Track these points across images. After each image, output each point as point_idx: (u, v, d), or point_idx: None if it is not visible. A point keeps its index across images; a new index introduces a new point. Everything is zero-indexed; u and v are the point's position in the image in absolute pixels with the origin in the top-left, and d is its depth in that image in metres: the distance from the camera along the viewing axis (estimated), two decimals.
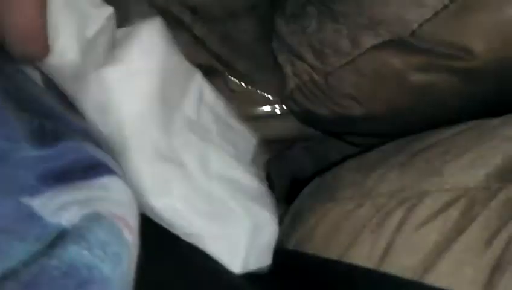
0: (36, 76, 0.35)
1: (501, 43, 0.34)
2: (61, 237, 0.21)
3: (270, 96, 0.47)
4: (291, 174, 0.51)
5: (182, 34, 0.47)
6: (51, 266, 0.18)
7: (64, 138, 0.28)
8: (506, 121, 0.32)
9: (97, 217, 0.22)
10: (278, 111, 0.47)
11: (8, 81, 0.30)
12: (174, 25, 0.47)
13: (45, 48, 0.31)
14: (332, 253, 0.32)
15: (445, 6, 0.35)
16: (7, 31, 0.28)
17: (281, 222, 0.40)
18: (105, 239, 0.21)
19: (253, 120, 0.47)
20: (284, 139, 0.49)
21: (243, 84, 0.47)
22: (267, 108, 0.47)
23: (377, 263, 0.30)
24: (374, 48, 0.38)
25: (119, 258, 0.20)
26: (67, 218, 0.23)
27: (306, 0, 0.43)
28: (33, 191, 0.24)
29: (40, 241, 0.22)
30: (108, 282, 0.19)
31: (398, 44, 0.38)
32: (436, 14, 0.36)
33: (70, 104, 0.35)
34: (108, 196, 0.25)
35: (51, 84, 0.36)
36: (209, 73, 0.47)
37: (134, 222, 0.25)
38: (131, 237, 0.23)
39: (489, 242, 0.27)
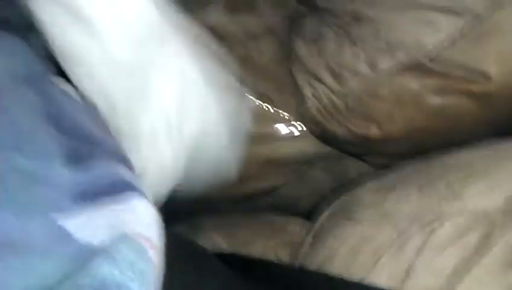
0: (72, 92, 0.37)
1: None
2: (93, 257, 0.23)
3: (289, 116, 0.48)
4: (311, 193, 0.52)
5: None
6: (84, 284, 0.20)
7: (97, 161, 0.29)
8: None
9: (125, 238, 0.24)
10: (296, 131, 0.48)
11: (50, 104, 0.31)
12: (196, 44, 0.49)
13: None
14: (354, 274, 0.33)
15: (462, 32, 0.36)
16: None
17: (302, 242, 0.41)
18: (133, 259, 0.22)
19: (272, 140, 0.48)
20: (303, 159, 0.50)
21: (262, 104, 0.48)
22: (286, 128, 0.48)
23: (398, 285, 0.30)
24: (392, 71, 0.39)
25: (145, 276, 0.22)
26: (99, 239, 0.24)
27: (324, 23, 0.44)
28: (66, 211, 0.25)
29: (74, 260, 0.23)
30: None
31: (416, 67, 0.39)
32: (452, 39, 0.37)
33: (102, 120, 0.36)
34: (135, 218, 0.27)
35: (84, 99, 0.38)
36: (229, 92, 0.48)
37: (158, 242, 0.26)
38: (156, 256, 0.24)
39: (509, 265, 0.27)
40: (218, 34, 0.49)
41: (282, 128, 0.48)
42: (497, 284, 0.27)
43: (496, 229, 0.29)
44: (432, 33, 0.38)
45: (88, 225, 0.25)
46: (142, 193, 0.29)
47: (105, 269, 0.20)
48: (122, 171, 0.30)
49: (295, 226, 0.44)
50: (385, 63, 0.40)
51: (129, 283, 0.20)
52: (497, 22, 0.35)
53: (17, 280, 0.20)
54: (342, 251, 0.34)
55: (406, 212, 0.33)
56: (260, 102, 0.48)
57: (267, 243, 0.44)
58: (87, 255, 0.22)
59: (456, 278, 0.29)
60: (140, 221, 0.26)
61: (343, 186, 0.45)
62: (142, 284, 0.21)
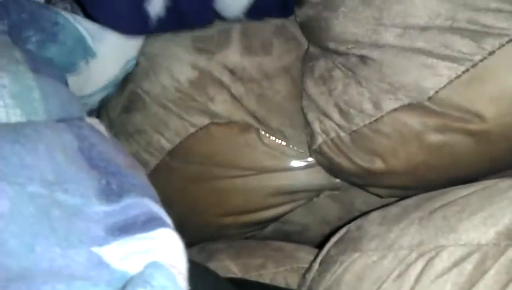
0: (102, 129, 0.40)
1: (509, 109, 0.39)
2: (129, 282, 0.26)
3: (300, 150, 0.51)
4: (319, 222, 0.55)
5: (221, 93, 0.52)
6: None
7: (128, 195, 0.33)
8: None
9: (157, 265, 0.27)
10: (307, 164, 0.51)
11: (82, 141, 0.35)
12: (214, 85, 0.53)
13: None
14: None
15: (458, 76, 0.40)
16: None
17: (310, 268, 0.44)
18: (165, 284, 0.25)
19: (284, 171, 0.52)
20: (312, 188, 0.53)
21: (276, 139, 0.51)
22: (297, 160, 0.51)
23: None
24: (395, 110, 0.43)
25: None
26: (131, 265, 0.27)
27: (333, 64, 0.48)
28: (102, 242, 0.29)
29: (110, 286, 0.26)
30: None
31: (417, 107, 0.42)
32: (450, 82, 0.40)
33: (129, 156, 0.40)
34: (164, 247, 0.30)
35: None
36: (245, 129, 0.52)
37: (184, 269, 0.29)
38: (183, 282, 0.27)
39: None
40: (236, 74, 0.53)
41: (294, 162, 0.51)
42: None
43: (488, 260, 0.32)
44: (432, 77, 0.41)
45: (120, 252, 0.28)
46: (168, 224, 0.32)
47: None
48: (150, 204, 0.33)
49: (304, 254, 0.47)
50: (388, 103, 0.43)
51: None
52: (490, 67, 0.39)
53: None
54: (347, 277, 0.37)
55: (407, 243, 0.36)
56: (274, 137, 0.51)
57: (277, 269, 0.47)
58: (123, 281, 0.26)
59: None
60: (168, 250, 0.29)
61: (350, 214, 0.48)
62: None
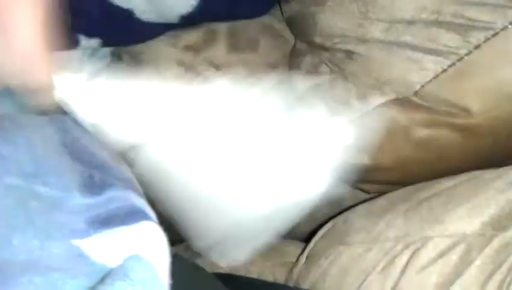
0: (85, 123, 0.40)
1: (495, 103, 0.38)
2: (108, 275, 0.25)
3: None
4: (308, 219, 0.55)
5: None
6: None
7: (110, 188, 0.32)
8: (499, 175, 0.35)
9: (138, 258, 0.26)
10: None
11: (64, 133, 0.34)
12: (200, 81, 0.53)
13: (47, 76, 0.29)
14: None
15: (444, 70, 0.40)
16: (3, 58, 0.27)
17: (296, 262, 0.43)
18: (145, 277, 0.25)
19: None
20: None
21: None
22: None
23: None
24: (381, 105, 0.43)
25: None
26: (111, 258, 0.27)
27: (319, 60, 0.48)
28: (82, 234, 0.28)
29: (89, 278, 0.25)
30: None
31: (403, 102, 0.42)
32: (436, 76, 0.40)
33: (112, 150, 0.39)
34: (146, 240, 0.29)
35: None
36: None
37: (166, 262, 0.29)
38: (164, 276, 0.27)
39: (484, 284, 0.30)
40: (221, 71, 0.52)
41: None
42: None
43: (473, 251, 0.32)
44: (418, 71, 0.41)
45: (100, 245, 0.28)
46: (151, 218, 0.32)
47: (120, 285, 0.23)
48: (133, 198, 0.33)
49: (292, 248, 0.46)
50: (375, 98, 0.43)
51: None
52: (475, 61, 0.39)
53: None
54: (333, 270, 0.37)
55: (393, 235, 0.36)
56: None
57: (265, 263, 0.46)
58: (102, 273, 0.25)
59: None
60: (150, 242, 0.29)
61: (338, 209, 0.48)
62: None
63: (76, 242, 0.27)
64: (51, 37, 0.27)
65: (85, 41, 0.50)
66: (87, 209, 0.30)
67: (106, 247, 0.28)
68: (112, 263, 0.26)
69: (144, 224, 0.30)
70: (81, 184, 0.31)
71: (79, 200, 0.30)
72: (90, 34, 0.50)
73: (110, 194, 0.32)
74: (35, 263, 0.25)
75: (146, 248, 0.28)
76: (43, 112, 0.36)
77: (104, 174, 0.33)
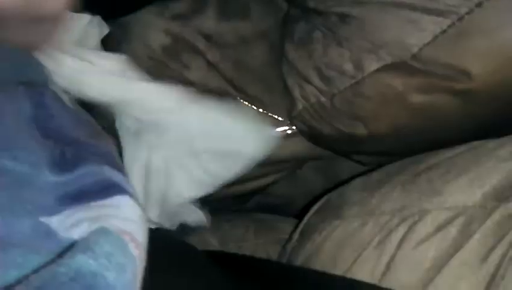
0: (66, 99, 0.38)
1: (497, 66, 0.36)
2: (70, 248, 0.24)
3: (280, 118, 0.49)
4: (304, 194, 0.53)
5: (196, 60, 0.50)
6: (59, 272, 0.20)
7: (84, 163, 0.30)
8: (502, 143, 0.33)
9: (104, 231, 0.25)
10: (287, 132, 0.49)
11: (39, 108, 0.33)
12: (189, 51, 0.50)
13: (61, 3, 0.30)
14: (337, 269, 0.34)
15: (444, 31, 0.37)
16: None
17: (289, 239, 0.42)
18: (111, 251, 0.23)
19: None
20: (294, 158, 0.51)
21: (254, 107, 0.49)
22: (277, 129, 0.49)
23: (379, 278, 0.31)
24: (377, 70, 0.40)
25: (123, 268, 0.22)
26: (79, 233, 0.25)
27: (313, 25, 0.45)
28: (51, 211, 0.27)
29: (54, 254, 0.24)
30: (112, 289, 0.21)
31: (400, 66, 0.39)
32: (435, 38, 0.37)
33: (95, 126, 0.38)
34: (118, 213, 0.28)
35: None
36: (221, 97, 0.49)
37: (141, 237, 0.27)
38: (137, 250, 0.25)
39: (485, 258, 0.28)
40: (211, 40, 0.50)
41: (273, 130, 0.49)
42: (473, 276, 0.28)
43: (474, 223, 0.29)
44: (415, 32, 0.38)
45: (71, 221, 0.26)
46: (127, 192, 0.30)
47: (81, 259, 0.21)
48: (109, 172, 0.31)
49: (286, 225, 0.45)
50: (370, 63, 0.40)
51: (105, 272, 0.21)
52: (477, 21, 0.36)
53: None
54: (327, 246, 0.35)
55: (389, 208, 0.34)
56: (252, 105, 0.49)
57: (258, 241, 0.44)
58: (68, 248, 0.23)
59: (434, 271, 0.29)
60: (122, 216, 0.27)
61: (335, 184, 0.46)
62: (119, 274, 0.22)
63: (45, 219, 0.26)
64: None
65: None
66: (57, 186, 0.29)
67: (75, 222, 0.26)
68: (78, 236, 0.25)
69: (118, 198, 0.29)
70: (52, 161, 0.30)
71: (48, 177, 0.29)
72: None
73: (83, 170, 0.30)
74: None
75: (117, 221, 0.26)
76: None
77: (77, 150, 0.32)
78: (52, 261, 0.22)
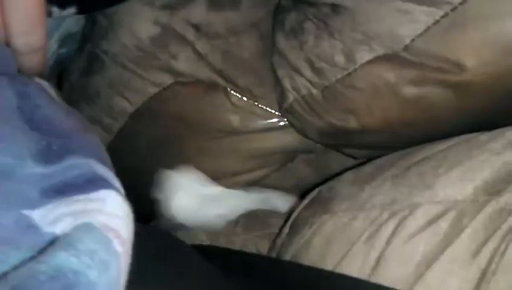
0: (51, 90, 0.37)
1: (492, 57, 0.35)
2: (52, 244, 0.23)
3: (270, 110, 0.48)
4: (294, 187, 0.52)
5: (185, 50, 0.49)
6: (39, 270, 0.20)
7: (70, 155, 0.29)
8: (494, 136, 0.32)
9: (87, 227, 0.24)
10: (278, 124, 0.48)
11: (23, 99, 0.32)
12: (177, 41, 0.49)
13: (44, 36, 0.33)
14: (327, 264, 0.33)
15: (437, 22, 0.36)
16: (11, 23, 0.31)
17: (279, 232, 0.41)
18: (94, 248, 0.22)
19: (254, 133, 0.49)
20: (285, 151, 0.50)
21: (244, 98, 0.48)
22: (267, 121, 0.48)
23: (368, 273, 0.31)
24: (369, 62, 0.39)
25: (106, 266, 0.22)
26: (62, 228, 0.24)
27: (304, 16, 0.44)
28: (34, 204, 0.26)
29: (35, 249, 0.23)
30: (94, 287, 0.20)
31: (392, 58, 0.38)
32: (427, 29, 0.37)
33: (80, 119, 0.37)
34: (103, 208, 0.27)
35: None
36: (211, 88, 0.48)
37: (126, 234, 0.26)
38: (121, 247, 0.24)
39: (476, 253, 0.27)
40: (201, 30, 0.49)
41: (264, 122, 0.48)
42: (464, 271, 0.28)
43: (465, 217, 0.29)
44: (408, 23, 0.37)
45: (54, 215, 0.25)
46: (113, 186, 0.29)
47: (61, 256, 0.20)
48: (95, 165, 0.30)
49: (276, 219, 0.44)
50: (362, 54, 0.40)
51: (87, 271, 0.20)
52: (471, 11, 0.35)
53: None
54: (316, 240, 0.34)
55: (379, 202, 0.33)
56: (242, 96, 0.48)
57: (247, 235, 0.44)
58: (49, 243, 0.23)
59: (424, 266, 0.29)
60: (107, 211, 0.26)
61: (326, 178, 0.45)
62: (102, 272, 0.21)
63: (27, 212, 0.25)
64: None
65: (57, 13, 0.47)
66: (41, 178, 0.28)
67: (58, 216, 0.25)
68: (60, 231, 0.24)
69: (103, 192, 0.28)
70: (36, 153, 0.29)
71: (32, 169, 0.28)
72: (63, 5, 0.47)
73: (69, 162, 0.29)
74: None
75: (102, 216, 0.26)
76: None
77: (64, 142, 0.31)
78: (32, 258, 0.21)
